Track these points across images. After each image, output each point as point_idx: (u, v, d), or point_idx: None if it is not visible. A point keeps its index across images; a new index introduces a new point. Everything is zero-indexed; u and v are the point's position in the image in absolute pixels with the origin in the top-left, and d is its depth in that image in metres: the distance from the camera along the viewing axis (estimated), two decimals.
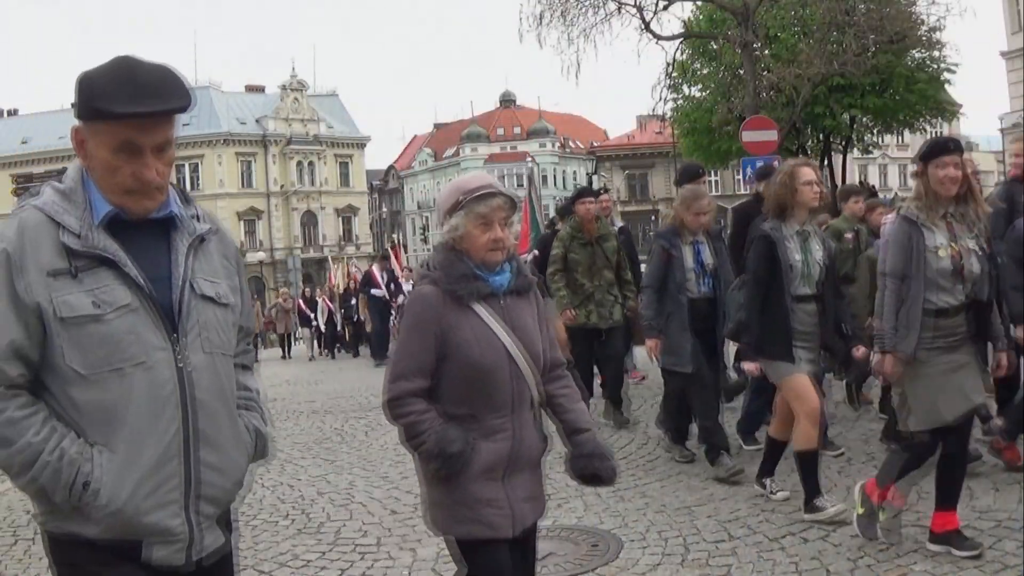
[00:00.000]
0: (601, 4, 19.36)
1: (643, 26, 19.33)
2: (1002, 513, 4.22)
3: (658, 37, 19.79)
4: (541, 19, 19.35)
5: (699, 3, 21.70)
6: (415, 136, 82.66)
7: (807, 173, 4.55)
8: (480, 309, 2.54)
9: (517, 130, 70.33)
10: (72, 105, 1.85)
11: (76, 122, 1.88)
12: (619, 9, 19.34)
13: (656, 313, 5.61)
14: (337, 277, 22.59)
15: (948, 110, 24.85)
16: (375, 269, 15.68)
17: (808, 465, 4.52)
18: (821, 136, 24.16)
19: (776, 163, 10.44)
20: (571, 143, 71.30)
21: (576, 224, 7.14)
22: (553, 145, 69.34)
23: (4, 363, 1.81)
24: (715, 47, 22.06)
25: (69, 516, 1.85)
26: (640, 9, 19.26)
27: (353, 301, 18.52)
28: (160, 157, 1.87)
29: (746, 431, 6.22)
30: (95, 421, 1.83)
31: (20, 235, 1.83)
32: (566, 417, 2.69)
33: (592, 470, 2.63)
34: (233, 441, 2.01)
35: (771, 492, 4.86)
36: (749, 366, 4.65)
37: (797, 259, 4.54)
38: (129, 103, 1.78)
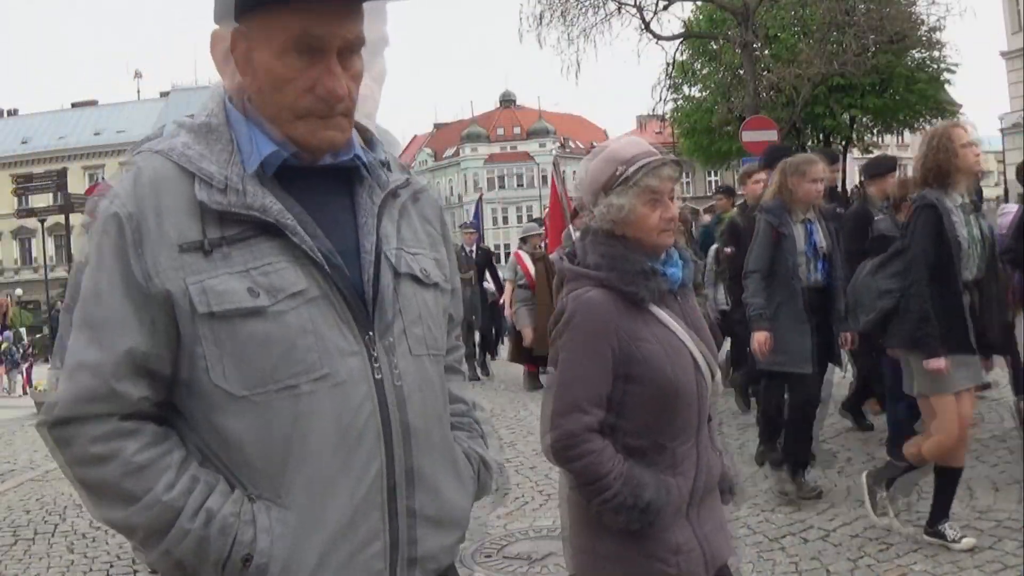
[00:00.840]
0: (601, 4, 19.48)
1: (643, 26, 19.44)
2: (1002, 513, 4.22)
3: (658, 37, 19.88)
4: (541, 19, 19.49)
5: (699, 3, 21.76)
6: (415, 136, 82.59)
7: (964, 134, 3.84)
8: (659, 312, 2.05)
9: (517, 130, 70.31)
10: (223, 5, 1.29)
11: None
12: (619, 9, 19.47)
13: (766, 301, 4.76)
14: None
15: (948, 110, 24.89)
16: None
17: (950, 480, 3.95)
18: (821, 136, 24.22)
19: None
20: (571, 143, 71.23)
21: None
22: (553, 145, 69.29)
23: (120, 381, 1.23)
24: (715, 47, 22.13)
25: None
26: (640, 9, 19.37)
27: None
28: (347, 66, 1.30)
29: (895, 445, 5.05)
30: (258, 464, 1.25)
31: (137, 193, 1.25)
32: None
33: None
34: (453, 479, 1.42)
35: (954, 540, 3.84)
36: (935, 364, 3.74)
37: (964, 235, 3.82)
38: None
